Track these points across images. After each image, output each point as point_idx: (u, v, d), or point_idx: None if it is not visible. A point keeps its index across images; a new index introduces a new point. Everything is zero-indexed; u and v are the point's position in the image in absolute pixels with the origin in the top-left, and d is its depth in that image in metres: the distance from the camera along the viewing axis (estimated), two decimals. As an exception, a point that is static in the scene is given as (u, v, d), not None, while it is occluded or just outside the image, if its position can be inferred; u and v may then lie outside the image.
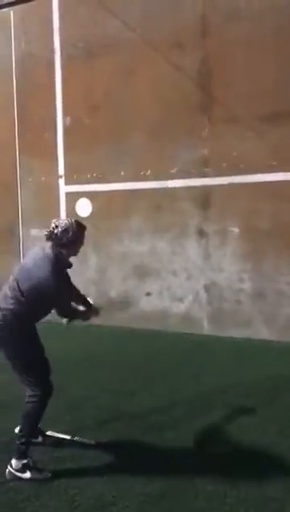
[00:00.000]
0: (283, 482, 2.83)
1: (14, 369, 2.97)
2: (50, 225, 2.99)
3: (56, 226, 2.95)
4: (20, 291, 2.90)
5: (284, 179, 5.58)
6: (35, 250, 3.09)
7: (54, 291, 2.90)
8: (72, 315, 3.14)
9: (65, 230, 2.94)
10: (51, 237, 2.95)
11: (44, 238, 2.98)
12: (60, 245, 2.96)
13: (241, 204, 5.84)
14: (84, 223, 3.06)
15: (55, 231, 2.93)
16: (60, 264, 2.95)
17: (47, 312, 3.04)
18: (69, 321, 3.17)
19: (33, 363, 2.98)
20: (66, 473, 2.95)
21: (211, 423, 3.59)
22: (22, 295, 2.90)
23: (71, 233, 2.95)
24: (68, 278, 3.14)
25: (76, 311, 3.21)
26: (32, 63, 7.04)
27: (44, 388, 2.98)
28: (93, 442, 3.30)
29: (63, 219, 3.11)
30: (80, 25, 6.67)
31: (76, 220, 3.04)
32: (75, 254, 3.05)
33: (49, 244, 2.97)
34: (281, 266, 5.66)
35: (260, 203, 5.71)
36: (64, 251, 2.97)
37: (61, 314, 3.08)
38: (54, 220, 3.00)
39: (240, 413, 3.76)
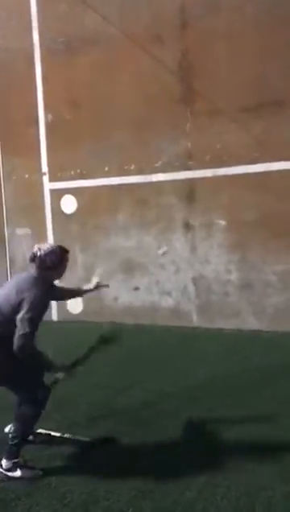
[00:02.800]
0: (274, 471, 2.85)
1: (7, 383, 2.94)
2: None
3: (39, 249, 2.96)
4: (2, 314, 2.85)
5: (268, 170, 5.60)
6: (17, 275, 3.11)
7: (29, 302, 2.82)
8: (30, 351, 2.81)
9: (49, 253, 2.95)
10: (34, 259, 2.94)
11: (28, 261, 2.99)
12: (43, 269, 2.95)
13: (226, 196, 5.86)
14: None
15: (39, 253, 2.93)
16: (43, 283, 2.94)
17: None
18: (55, 382, 3.06)
19: (27, 374, 2.92)
20: (57, 471, 2.94)
21: (201, 416, 3.60)
22: (5, 318, 2.84)
23: (54, 257, 2.96)
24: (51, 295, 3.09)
25: (39, 353, 2.87)
26: (11, 58, 6.95)
27: (42, 393, 2.97)
28: (84, 439, 3.29)
29: (46, 243, 3.12)
30: (60, 19, 6.60)
31: (59, 245, 3.07)
32: (58, 278, 3.06)
33: (33, 266, 2.96)
34: (267, 257, 5.70)
35: (245, 194, 5.73)
36: (48, 274, 2.98)
37: (20, 347, 2.76)
38: (36, 245, 3.02)
39: (230, 404, 3.78)
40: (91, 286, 3.43)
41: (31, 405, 2.92)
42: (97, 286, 3.44)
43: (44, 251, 2.95)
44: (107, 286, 3.55)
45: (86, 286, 3.44)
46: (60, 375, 3.06)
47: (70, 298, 3.60)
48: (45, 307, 2.97)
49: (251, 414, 3.58)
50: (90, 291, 3.43)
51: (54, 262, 2.96)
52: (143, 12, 6.11)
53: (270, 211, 5.62)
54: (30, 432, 3.08)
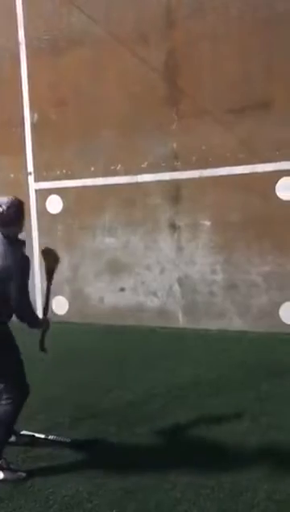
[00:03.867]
0: (257, 471, 2.87)
1: None
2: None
3: (0, 205, 2.88)
4: None
5: (253, 172, 5.63)
6: None
7: (17, 273, 2.81)
8: (33, 320, 2.97)
9: (9, 207, 2.89)
10: None
11: None
12: (6, 224, 2.90)
13: (211, 197, 5.87)
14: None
15: (1, 209, 2.86)
16: (15, 243, 2.91)
17: (10, 315, 2.96)
18: (43, 344, 3.09)
19: (9, 367, 2.92)
20: (40, 473, 2.93)
21: (185, 416, 3.61)
22: None
23: (15, 209, 2.91)
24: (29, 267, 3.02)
25: (37, 317, 3.04)
26: (-4, 57, 6.90)
27: (21, 391, 2.95)
28: (67, 440, 3.28)
29: (1, 197, 3.00)
30: (45, 18, 6.56)
31: (14, 197, 2.99)
32: (21, 231, 3.01)
33: None
34: (252, 258, 5.73)
35: (230, 195, 5.75)
36: (11, 229, 2.92)
37: (22, 316, 2.92)
38: None
39: (214, 404, 3.79)
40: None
41: (9, 404, 2.89)
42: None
43: (6, 205, 2.88)
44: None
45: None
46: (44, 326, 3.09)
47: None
48: (27, 267, 2.93)
49: (236, 413, 3.59)
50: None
51: (16, 216, 2.91)
52: (129, 12, 6.11)
53: (255, 212, 5.65)
54: (9, 433, 3.05)
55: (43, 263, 3.21)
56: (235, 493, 2.66)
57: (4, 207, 2.87)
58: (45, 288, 3.18)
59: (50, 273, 3.18)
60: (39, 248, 6.67)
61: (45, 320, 3.12)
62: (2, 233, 2.92)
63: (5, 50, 6.83)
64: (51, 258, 3.20)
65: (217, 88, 5.73)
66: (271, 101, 5.53)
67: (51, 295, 3.22)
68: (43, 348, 3.16)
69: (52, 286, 3.19)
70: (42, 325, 3.09)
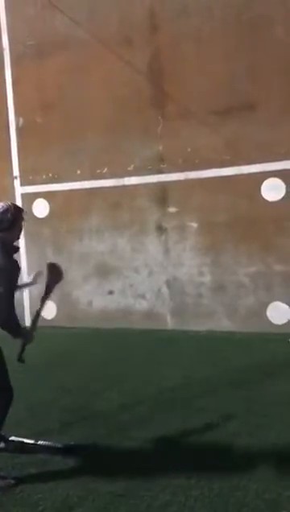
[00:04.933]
0: (247, 471, 2.87)
1: None
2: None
3: None
4: None
5: (239, 173, 5.67)
6: None
7: (4, 275, 2.78)
8: (14, 328, 2.87)
9: (3, 212, 2.87)
10: None
11: None
12: (1, 230, 2.87)
13: (198, 199, 5.90)
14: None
15: None
16: (7, 246, 2.87)
17: None
18: (21, 355, 3.02)
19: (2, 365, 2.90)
20: (30, 479, 2.90)
21: (175, 418, 3.61)
22: None
23: (10, 215, 2.88)
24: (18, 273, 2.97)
25: (19, 325, 2.93)
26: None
27: (5, 395, 2.92)
28: (57, 445, 3.26)
29: None
30: (29, 23, 6.55)
31: (12, 202, 2.98)
32: (17, 238, 2.98)
33: None
34: (239, 259, 5.76)
35: (216, 197, 5.79)
36: (5, 235, 2.89)
37: (4, 323, 2.84)
38: None
39: (203, 405, 3.80)
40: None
41: None
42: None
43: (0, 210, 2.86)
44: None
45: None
46: (28, 339, 3.01)
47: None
48: (15, 273, 2.88)
49: (226, 414, 3.60)
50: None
51: (10, 221, 2.88)
52: (113, 15, 6.12)
53: (241, 213, 5.69)
54: None
55: (46, 276, 3.14)
56: (225, 494, 2.67)
57: None
58: (39, 300, 3.12)
59: (49, 288, 3.13)
60: (26, 253, 6.64)
61: (30, 333, 3.02)
62: None
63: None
64: (54, 274, 3.15)
65: (201, 91, 5.77)
66: (256, 102, 5.58)
67: (43, 310, 3.15)
68: (20, 359, 3.04)
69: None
70: (25, 337, 2.99)
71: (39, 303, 3.15)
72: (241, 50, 5.61)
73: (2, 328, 2.86)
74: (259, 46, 5.52)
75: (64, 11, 6.27)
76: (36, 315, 3.14)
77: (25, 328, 3.04)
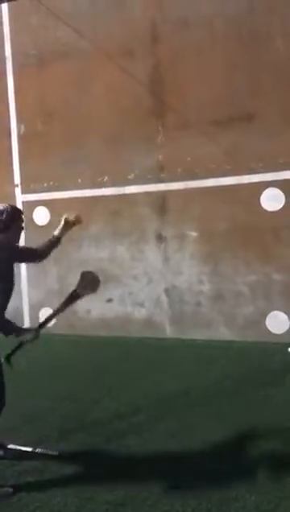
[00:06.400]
0: (245, 482, 2.86)
1: None
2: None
3: None
4: None
5: (238, 183, 5.71)
6: None
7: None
8: (3, 324, 2.90)
9: (1, 213, 2.90)
10: None
11: None
12: None
13: (197, 208, 5.93)
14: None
15: None
16: (5, 248, 2.89)
17: None
18: (9, 357, 2.99)
19: None
20: (28, 487, 2.90)
21: (173, 428, 3.61)
22: None
23: (5, 216, 2.91)
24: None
25: (8, 321, 2.96)
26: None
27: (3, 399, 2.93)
28: (55, 453, 3.26)
29: None
30: (32, 32, 6.62)
31: (10, 204, 3.01)
32: (17, 240, 3.00)
33: None
34: (238, 268, 5.78)
35: (216, 206, 5.82)
36: (2, 237, 2.92)
37: None
38: None
39: (202, 414, 3.80)
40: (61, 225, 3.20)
41: None
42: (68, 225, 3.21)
43: None
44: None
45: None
46: (28, 337, 2.99)
47: (46, 252, 3.29)
48: (9, 274, 2.89)
49: (223, 423, 3.60)
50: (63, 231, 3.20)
51: (6, 222, 2.90)
52: (115, 26, 6.19)
53: (240, 223, 5.71)
54: None
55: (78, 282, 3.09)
56: (224, 504, 2.66)
57: None
58: (59, 303, 3.09)
59: (76, 294, 3.09)
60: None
61: (35, 330, 3.04)
62: None
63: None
64: (86, 282, 3.11)
65: (201, 101, 5.82)
66: (256, 113, 5.63)
67: (59, 314, 3.12)
68: (8, 359, 2.99)
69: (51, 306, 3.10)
70: (18, 333, 2.98)
71: (59, 305, 3.10)
72: (241, 61, 5.67)
73: None
74: (259, 58, 5.59)
75: (67, 22, 6.34)
76: (51, 316, 3.13)
77: (20, 326, 3.03)
